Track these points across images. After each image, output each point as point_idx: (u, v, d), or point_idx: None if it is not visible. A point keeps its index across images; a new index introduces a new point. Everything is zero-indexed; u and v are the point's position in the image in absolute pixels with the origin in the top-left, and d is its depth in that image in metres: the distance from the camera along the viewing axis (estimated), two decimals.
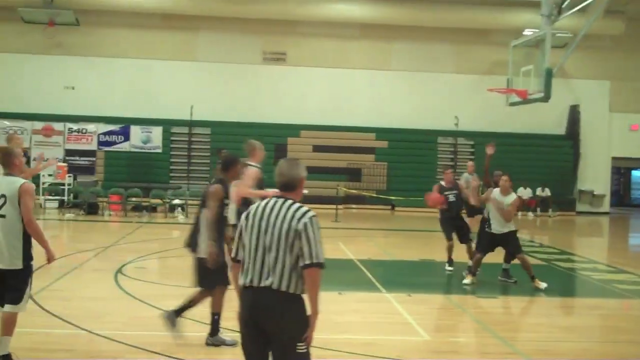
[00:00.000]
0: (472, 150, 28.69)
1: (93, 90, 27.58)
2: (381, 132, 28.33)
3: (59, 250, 14.51)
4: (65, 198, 22.74)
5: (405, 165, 27.37)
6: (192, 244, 7.46)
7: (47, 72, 27.47)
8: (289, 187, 4.65)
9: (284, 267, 4.47)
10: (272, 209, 4.55)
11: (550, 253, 16.32)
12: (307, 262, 4.46)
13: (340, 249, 15.39)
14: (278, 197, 4.64)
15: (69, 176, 23.56)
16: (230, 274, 4.76)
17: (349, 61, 28.66)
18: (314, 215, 4.55)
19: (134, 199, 22.55)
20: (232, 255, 4.70)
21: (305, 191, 4.75)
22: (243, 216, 4.67)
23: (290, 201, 4.58)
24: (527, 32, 23.61)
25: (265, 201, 4.64)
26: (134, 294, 9.79)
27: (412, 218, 13.63)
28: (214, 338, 7.51)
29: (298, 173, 4.68)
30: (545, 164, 28.15)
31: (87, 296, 9.80)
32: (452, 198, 12.19)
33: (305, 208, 4.56)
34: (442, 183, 12.59)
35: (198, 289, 7.50)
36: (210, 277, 7.32)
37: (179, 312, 7.45)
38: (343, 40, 28.62)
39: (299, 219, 4.49)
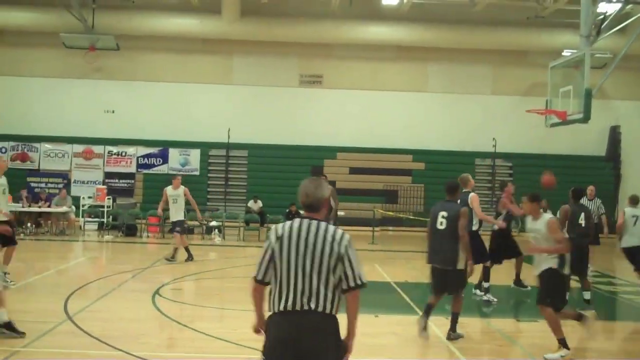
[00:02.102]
0: (510, 172, 28.43)
1: (132, 114, 27.95)
2: (418, 154, 28.23)
3: (97, 272, 14.67)
4: (105, 220, 22.99)
5: (443, 187, 27.14)
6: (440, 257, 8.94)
7: (88, 96, 27.94)
8: (314, 208, 4.60)
9: (327, 289, 4.45)
10: (308, 231, 4.50)
11: (591, 276, 16.01)
12: (352, 284, 4.48)
13: (376, 271, 15.29)
14: (304, 217, 4.59)
15: (108, 198, 23.87)
16: (253, 296, 4.68)
17: (385, 83, 28.65)
18: (350, 237, 4.55)
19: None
20: (259, 277, 4.59)
21: (341, 212, 4.75)
22: (274, 238, 4.57)
23: (323, 223, 4.55)
24: (566, 52, 23.34)
25: (296, 223, 4.57)
26: (171, 315, 9.81)
27: None
28: (455, 334, 9.12)
29: (323, 194, 4.64)
30: (586, 186, 27.59)
31: (124, 317, 9.84)
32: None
33: (340, 230, 4.55)
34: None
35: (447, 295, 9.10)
36: (456, 284, 8.94)
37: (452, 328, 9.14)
38: (379, 63, 28.64)
39: (340, 242, 4.48)
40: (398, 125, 28.52)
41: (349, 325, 4.55)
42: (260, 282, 4.60)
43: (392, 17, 26.84)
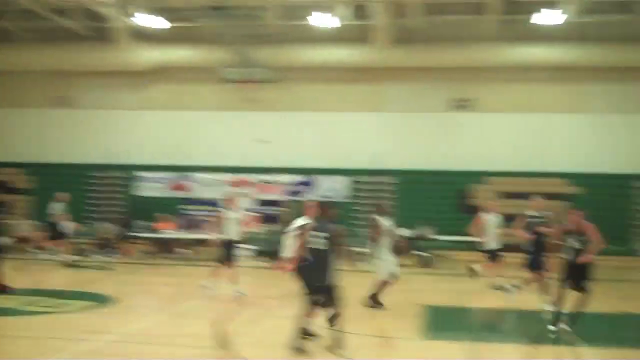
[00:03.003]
0: None
1: (284, 143, 28.50)
2: (575, 178, 26.89)
3: (250, 297, 14.93)
4: (257, 247, 23.47)
5: (600, 213, 25.63)
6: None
7: (242, 128, 28.86)
8: None
9: None
10: None
11: None
12: None
13: (531, 299, 14.66)
14: None
15: (261, 225, 24.37)
16: None
17: (540, 105, 27.63)
18: None
19: None
20: None
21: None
22: None
23: None
24: None
25: None
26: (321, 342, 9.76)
27: (608, 268, 12.73)
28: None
29: None
30: None
31: (274, 342, 9.90)
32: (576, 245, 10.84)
33: None
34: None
35: None
36: None
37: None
38: (533, 84, 27.64)
39: None
40: (554, 148, 27.41)
41: None
42: None
43: (547, 37, 25.87)
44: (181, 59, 28.23)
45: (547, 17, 23.69)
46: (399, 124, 28.31)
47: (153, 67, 28.49)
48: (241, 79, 27.37)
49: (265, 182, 28.40)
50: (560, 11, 23.28)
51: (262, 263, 21.82)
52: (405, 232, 23.18)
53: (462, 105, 28.32)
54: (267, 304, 13.36)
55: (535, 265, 13.33)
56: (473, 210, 26.51)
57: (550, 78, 27.50)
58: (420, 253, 22.35)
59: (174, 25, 26.47)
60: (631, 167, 26.79)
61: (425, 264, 21.94)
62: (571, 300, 10.71)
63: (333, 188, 28.00)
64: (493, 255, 15.76)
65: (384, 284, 12.76)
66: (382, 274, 12.68)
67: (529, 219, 13.48)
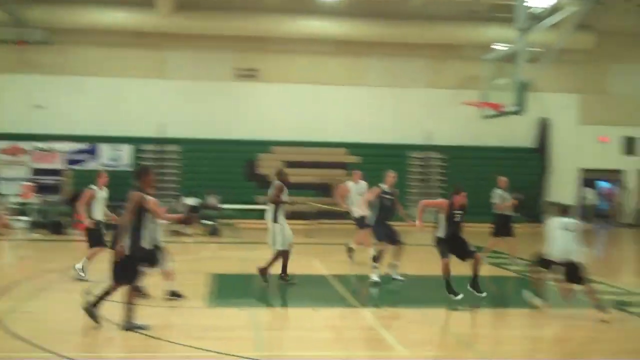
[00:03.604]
0: (443, 164, 28.75)
1: (63, 109, 27.25)
2: (353, 147, 28.27)
3: (24, 271, 14.21)
4: (32, 218, 22.31)
5: (377, 180, 27.17)
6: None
7: (17, 91, 27.15)
8: None
9: None
10: None
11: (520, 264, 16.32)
12: None
13: (313, 265, 15.25)
14: None
15: (36, 196, 23.20)
16: None
17: (323, 77, 28.63)
18: None
19: None
20: None
21: None
22: None
23: None
24: (498, 46, 23.74)
25: None
26: (103, 314, 9.53)
27: None
28: None
29: None
30: (514, 177, 27.96)
31: (54, 318, 9.55)
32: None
33: None
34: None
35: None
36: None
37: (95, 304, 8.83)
38: (316, 56, 28.59)
39: None
40: (334, 119, 28.58)
41: None
42: None
43: (330, 11, 26.80)
44: None
45: None
46: (184, 92, 28.03)
47: None
48: (14, 40, 25.73)
49: (42, 150, 26.99)
50: None
51: (38, 235, 20.79)
52: (191, 201, 23.12)
53: (247, 74, 28.59)
54: (48, 278, 12.75)
55: (380, 234, 13.30)
56: (259, 179, 27.25)
57: (331, 51, 28.59)
58: (207, 222, 22.38)
59: None
60: (406, 138, 28.62)
61: (212, 232, 22.03)
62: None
63: (116, 156, 27.25)
64: (362, 224, 15.08)
65: (282, 254, 12.42)
66: (280, 244, 12.33)
67: (381, 194, 13.54)
